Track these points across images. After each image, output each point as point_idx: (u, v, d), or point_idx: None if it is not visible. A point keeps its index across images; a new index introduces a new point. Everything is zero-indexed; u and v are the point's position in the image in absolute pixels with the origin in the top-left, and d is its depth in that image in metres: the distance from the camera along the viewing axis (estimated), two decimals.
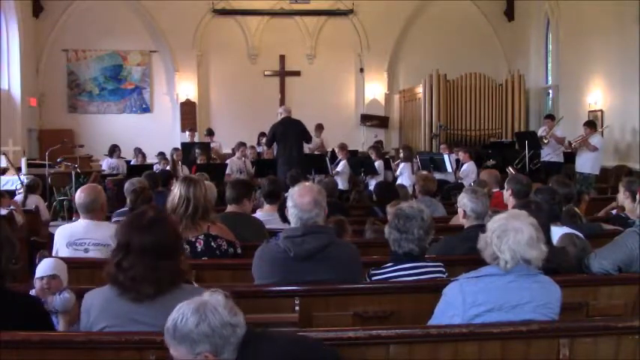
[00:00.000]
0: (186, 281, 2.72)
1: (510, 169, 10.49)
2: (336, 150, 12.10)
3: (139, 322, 2.55)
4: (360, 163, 11.72)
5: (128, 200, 5.52)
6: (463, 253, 4.00)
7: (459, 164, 11.54)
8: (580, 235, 4.01)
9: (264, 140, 12.04)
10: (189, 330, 2.03)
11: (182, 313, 2.06)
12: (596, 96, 12.70)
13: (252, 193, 5.21)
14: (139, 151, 13.30)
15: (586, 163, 10.76)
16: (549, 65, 15.24)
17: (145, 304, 2.55)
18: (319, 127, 13.96)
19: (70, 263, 4.11)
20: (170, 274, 2.57)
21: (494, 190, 6.76)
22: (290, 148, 10.39)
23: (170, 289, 2.56)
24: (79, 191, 4.60)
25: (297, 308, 3.25)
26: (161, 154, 12.31)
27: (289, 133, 10.42)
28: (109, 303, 2.59)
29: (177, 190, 4.14)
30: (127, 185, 5.77)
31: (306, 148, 11.40)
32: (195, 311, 2.05)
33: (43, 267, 3.07)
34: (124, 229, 2.63)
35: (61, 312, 2.94)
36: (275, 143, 10.68)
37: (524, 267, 2.80)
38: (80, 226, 4.48)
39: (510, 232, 2.80)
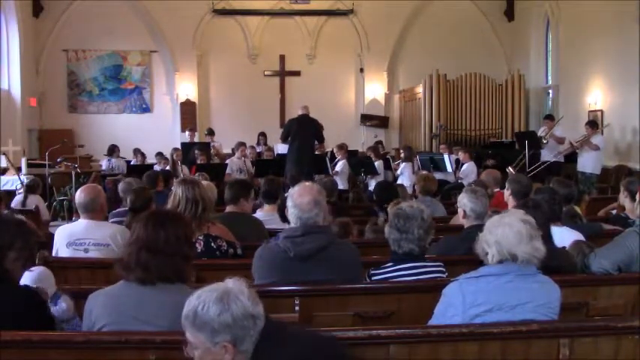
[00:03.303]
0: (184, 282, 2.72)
1: (510, 169, 10.49)
2: (335, 150, 12.09)
3: (138, 319, 2.57)
4: (360, 163, 11.71)
5: (128, 200, 5.51)
6: (463, 253, 4.00)
7: (459, 164, 11.55)
8: (590, 244, 3.97)
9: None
10: (211, 319, 2.00)
11: (203, 300, 2.02)
12: (596, 96, 12.70)
13: (250, 192, 5.19)
14: (138, 152, 13.29)
15: (588, 163, 10.79)
16: (549, 65, 15.23)
17: (144, 301, 2.58)
18: None
19: (70, 263, 4.14)
20: (163, 269, 2.61)
21: (495, 190, 6.76)
22: (301, 147, 10.35)
23: (167, 285, 2.60)
24: (78, 191, 4.61)
25: (297, 308, 3.25)
26: (159, 155, 12.28)
27: (303, 131, 10.36)
28: (110, 301, 2.64)
29: (175, 192, 4.14)
30: (121, 185, 5.74)
31: None
32: (219, 300, 2.01)
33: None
34: (140, 220, 2.79)
35: (63, 321, 2.93)
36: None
37: (521, 266, 2.79)
38: (80, 226, 4.48)
39: (500, 227, 2.82)
